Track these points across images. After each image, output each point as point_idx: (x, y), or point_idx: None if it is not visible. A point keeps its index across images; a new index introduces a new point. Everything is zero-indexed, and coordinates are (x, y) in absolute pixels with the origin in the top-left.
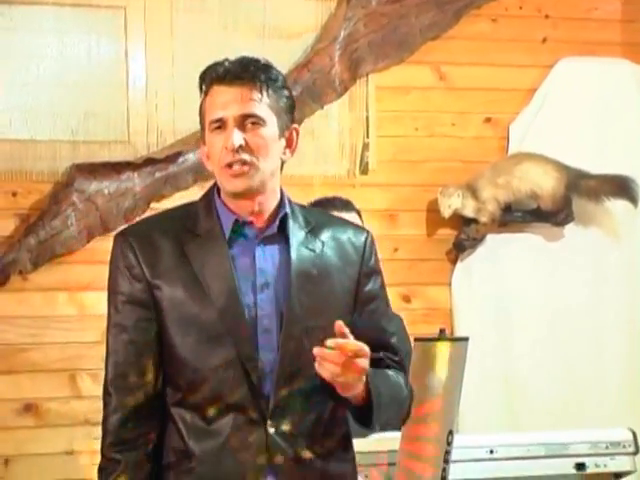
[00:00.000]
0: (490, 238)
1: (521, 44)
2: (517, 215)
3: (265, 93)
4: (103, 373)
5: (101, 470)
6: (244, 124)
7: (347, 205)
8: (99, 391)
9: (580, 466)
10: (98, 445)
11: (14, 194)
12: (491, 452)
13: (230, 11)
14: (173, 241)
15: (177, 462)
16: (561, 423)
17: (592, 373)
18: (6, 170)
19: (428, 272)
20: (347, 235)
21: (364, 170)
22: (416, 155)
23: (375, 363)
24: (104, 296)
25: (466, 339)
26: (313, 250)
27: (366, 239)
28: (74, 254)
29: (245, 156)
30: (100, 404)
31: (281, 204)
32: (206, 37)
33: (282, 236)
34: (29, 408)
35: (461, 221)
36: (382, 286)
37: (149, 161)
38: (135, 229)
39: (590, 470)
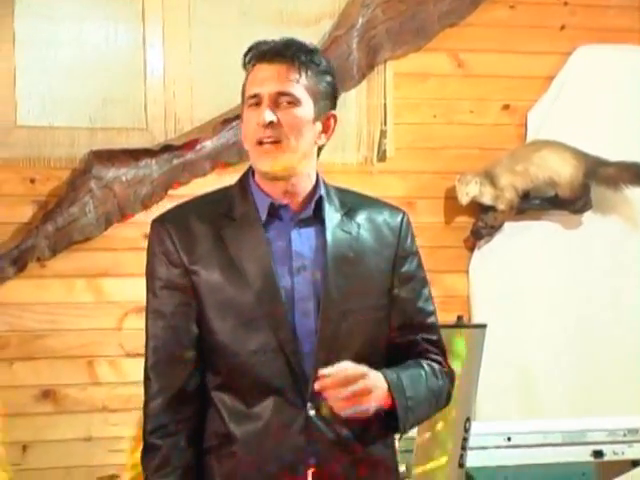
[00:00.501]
0: (508, 226)
1: (539, 31)
2: (535, 203)
3: (304, 74)
4: (142, 359)
5: (143, 455)
6: (278, 102)
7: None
8: (117, 378)
9: (597, 453)
10: (115, 431)
11: (32, 181)
12: (508, 439)
13: None
14: (209, 226)
15: (218, 446)
16: (578, 410)
17: (610, 360)
18: (24, 157)
19: (446, 260)
20: (383, 216)
21: (382, 157)
22: (434, 142)
23: (411, 346)
24: (122, 283)
25: (484, 326)
26: (349, 232)
27: (402, 220)
28: (92, 241)
29: (275, 134)
30: (117, 391)
31: (316, 187)
32: (224, 24)
33: (318, 219)
34: (47, 394)
35: (479, 209)
36: (419, 267)
37: (167, 148)
38: (172, 215)
39: (608, 457)
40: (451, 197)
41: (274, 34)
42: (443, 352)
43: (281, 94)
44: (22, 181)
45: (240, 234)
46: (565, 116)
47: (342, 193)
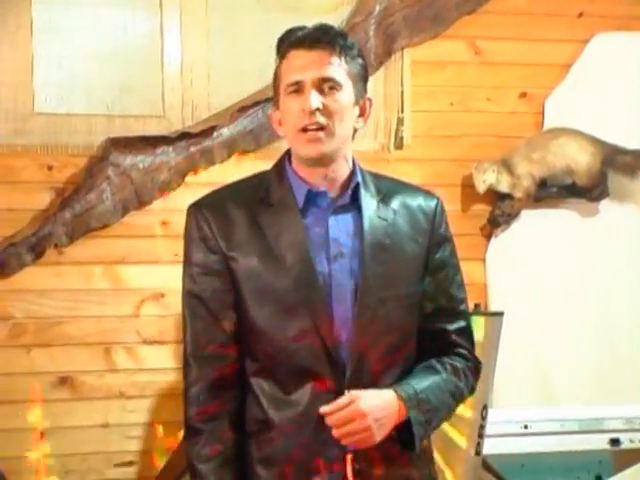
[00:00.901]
0: (525, 214)
1: (557, 19)
2: (552, 190)
3: (343, 59)
4: (182, 347)
5: (186, 440)
6: (322, 88)
7: None
8: (134, 364)
9: (614, 441)
10: (132, 418)
11: (50, 168)
12: (525, 427)
13: None
14: (246, 211)
15: (258, 431)
16: (596, 398)
17: (627, 348)
18: (42, 144)
19: (462, 247)
20: (418, 202)
21: (399, 145)
22: (451, 130)
23: (440, 335)
24: (139, 270)
25: (501, 314)
26: (385, 219)
27: (437, 205)
28: (109, 228)
29: (321, 119)
30: (134, 378)
31: (353, 173)
32: (241, 11)
33: (354, 205)
34: (64, 381)
35: (496, 196)
36: (452, 253)
37: (184, 135)
38: (209, 200)
39: (625, 446)
40: (468, 185)
41: (291, 21)
42: (471, 341)
43: (324, 80)
44: (40, 168)
45: (277, 220)
46: (582, 104)
47: (378, 179)
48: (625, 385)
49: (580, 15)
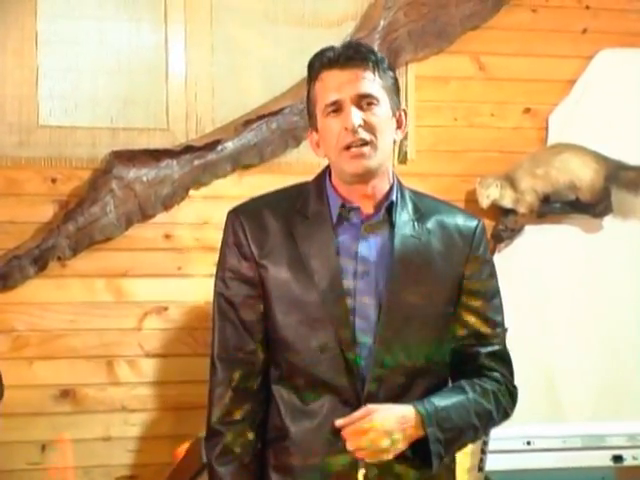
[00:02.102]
0: (528, 229)
1: (561, 35)
2: (555, 206)
3: (377, 73)
4: (212, 345)
5: (207, 441)
6: (360, 104)
7: None
8: (136, 378)
9: (617, 458)
10: (134, 431)
11: (53, 180)
12: (528, 443)
13: None
14: (282, 221)
15: (276, 439)
16: (600, 414)
17: (632, 364)
18: (46, 156)
19: None
20: (456, 222)
21: (402, 160)
22: (455, 145)
23: (472, 358)
24: (142, 283)
25: (505, 329)
26: (418, 238)
27: (477, 226)
28: (113, 241)
29: (365, 135)
30: (136, 391)
31: (391, 190)
32: (246, 25)
33: (388, 223)
34: (66, 394)
35: (499, 212)
36: (491, 275)
37: (188, 149)
38: (247, 207)
39: (627, 462)
40: (472, 200)
41: (296, 35)
42: (507, 365)
43: (362, 96)
44: (43, 181)
45: (311, 233)
46: (586, 120)
47: (418, 197)
48: (630, 400)
49: (584, 31)
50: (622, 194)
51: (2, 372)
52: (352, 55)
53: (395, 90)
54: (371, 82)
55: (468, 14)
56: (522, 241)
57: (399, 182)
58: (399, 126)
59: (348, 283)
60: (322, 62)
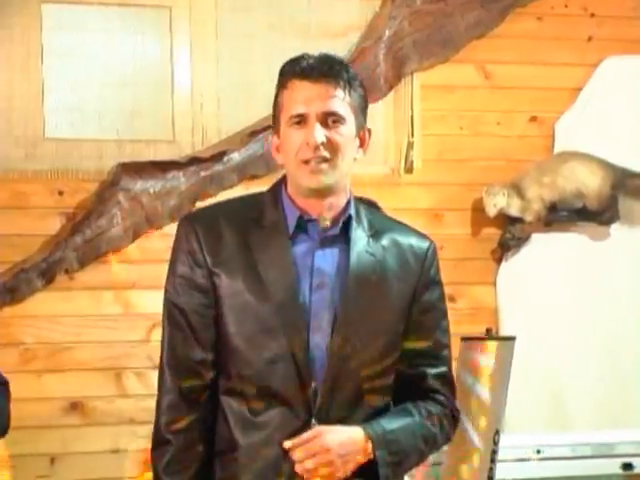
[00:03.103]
0: (535, 237)
1: (566, 43)
2: (562, 214)
3: (347, 92)
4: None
5: (153, 450)
6: (326, 121)
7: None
8: (144, 390)
9: (627, 466)
10: (143, 444)
11: (60, 193)
12: (537, 452)
13: (275, 10)
14: (237, 230)
15: (224, 451)
16: (608, 423)
17: (639, 372)
18: (52, 169)
19: (473, 271)
20: (409, 242)
21: (409, 169)
22: (461, 154)
23: (419, 380)
24: (150, 295)
25: (513, 338)
26: (373, 255)
27: (428, 248)
28: (120, 253)
29: (325, 153)
30: (145, 403)
31: (347, 205)
32: (251, 36)
33: (344, 237)
34: (75, 406)
35: (506, 220)
36: (441, 297)
37: (194, 160)
38: (202, 215)
39: (637, 470)
40: (478, 209)
41: (301, 46)
42: (451, 389)
43: (328, 114)
44: (50, 193)
45: (267, 242)
46: (592, 127)
47: (372, 214)
48: (637, 409)
49: (589, 39)
50: (629, 201)
51: (11, 385)
52: (325, 71)
53: (363, 109)
54: (340, 100)
55: (473, 23)
56: (529, 249)
57: (354, 198)
58: (361, 145)
59: (304, 295)
60: (294, 71)
